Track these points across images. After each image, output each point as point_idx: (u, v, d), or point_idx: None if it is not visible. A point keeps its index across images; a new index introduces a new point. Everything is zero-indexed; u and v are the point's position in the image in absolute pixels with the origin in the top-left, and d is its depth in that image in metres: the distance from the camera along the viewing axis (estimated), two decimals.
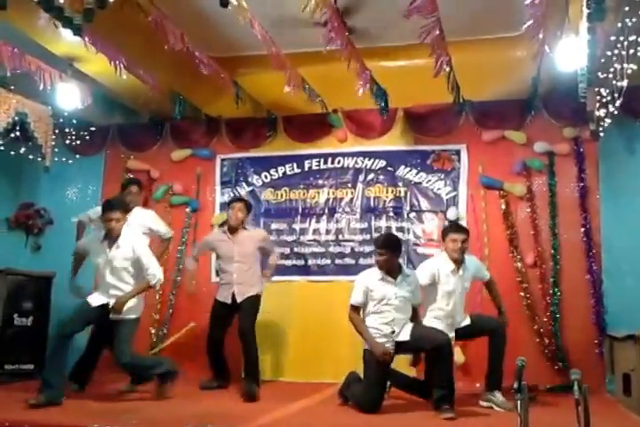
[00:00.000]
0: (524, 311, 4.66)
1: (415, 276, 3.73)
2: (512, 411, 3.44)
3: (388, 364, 3.50)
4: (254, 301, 4.24)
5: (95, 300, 3.76)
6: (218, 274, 4.50)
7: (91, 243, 3.96)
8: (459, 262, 3.79)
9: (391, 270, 3.60)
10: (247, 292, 4.22)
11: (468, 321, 3.84)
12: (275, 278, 4.71)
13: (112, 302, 3.72)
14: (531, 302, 4.67)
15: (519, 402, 2.09)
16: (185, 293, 5.15)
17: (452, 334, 3.75)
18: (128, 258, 3.76)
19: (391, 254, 3.57)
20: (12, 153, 4.85)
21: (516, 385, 2.11)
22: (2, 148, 4.70)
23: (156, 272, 3.79)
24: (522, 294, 4.69)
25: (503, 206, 4.88)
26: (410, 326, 3.57)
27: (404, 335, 3.52)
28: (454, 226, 4.15)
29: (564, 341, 4.56)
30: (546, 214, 4.81)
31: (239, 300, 4.21)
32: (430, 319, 3.79)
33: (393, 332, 3.52)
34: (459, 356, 4.53)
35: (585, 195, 4.75)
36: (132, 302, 3.75)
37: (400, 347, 3.54)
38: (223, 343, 4.37)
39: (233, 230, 4.35)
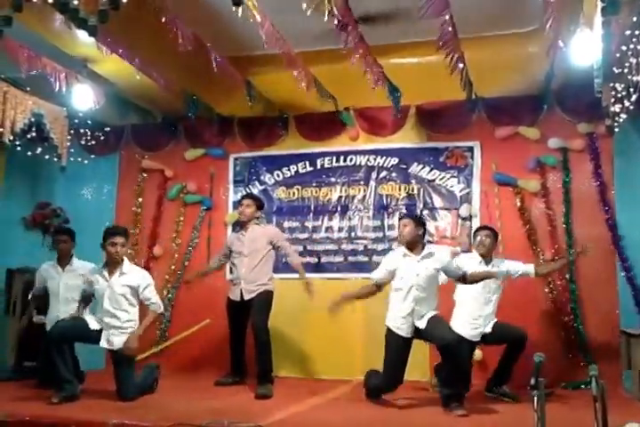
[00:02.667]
0: (543, 309, 4.64)
1: (443, 253, 3.71)
2: (520, 401, 3.51)
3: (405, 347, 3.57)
4: (265, 297, 4.25)
5: (93, 323, 3.79)
6: (232, 271, 4.54)
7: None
8: (485, 257, 3.98)
9: (413, 246, 3.62)
10: (256, 289, 4.23)
11: (490, 328, 3.89)
12: (288, 276, 4.72)
13: (107, 331, 3.74)
14: (553, 298, 4.65)
15: (536, 398, 2.08)
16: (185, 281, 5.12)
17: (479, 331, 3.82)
18: (130, 286, 3.81)
19: (414, 225, 3.61)
20: (29, 154, 4.91)
21: (532, 382, 2.10)
22: (19, 148, 4.76)
23: (159, 302, 3.92)
24: (541, 290, 4.67)
25: (518, 203, 4.85)
26: (429, 315, 3.53)
27: (422, 323, 3.52)
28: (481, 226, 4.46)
29: (583, 337, 4.53)
30: (560, 211, 4.78)
31: (247, 297, 4.23)
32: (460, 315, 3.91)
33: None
34: (476, 353, 4.52)
35: (600, 191, 4.70)
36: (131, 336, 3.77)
37: (417, 333, 3.56)
38: (244, 339, 4.41)
39: (244, 226, 4.43)
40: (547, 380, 2.13)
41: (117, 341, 3.75)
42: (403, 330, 3.55)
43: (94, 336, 3.77)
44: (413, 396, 3.87)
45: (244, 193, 5.43)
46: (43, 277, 4.35)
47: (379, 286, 3.69)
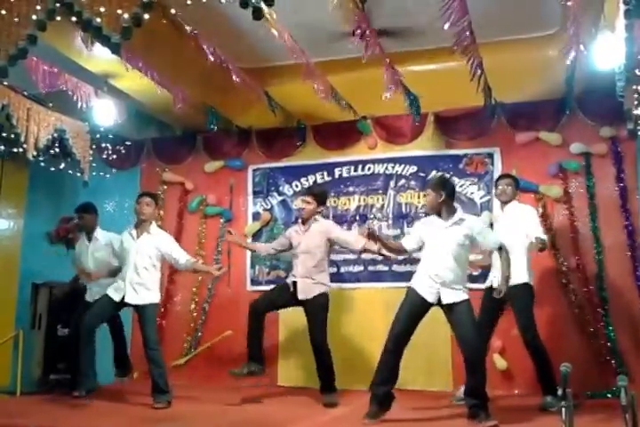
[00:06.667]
0: (568, 316, 4.54)
1: (475, 221, 3.55)
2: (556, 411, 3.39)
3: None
4: (320, 302, 4.05)
5: (116, 295, 3.96)
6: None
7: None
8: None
9: (440, 212, 3.46)
10: (310, 290, 4.05)
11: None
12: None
13: (134, 293, 3.91)
14: (577, 306, 4.54)
15: (564, 409, 2.02)
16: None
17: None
18: (157, 247, 4.00)
19: (435, 194, 3.44)
20: (52, 169, 5.01)
21: (560, 392, 2.04)
22: (42, 164, 4.86)
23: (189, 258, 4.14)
24: (564, 297, 4.57)
25: (540, 210, 4.77)
26: (458, 298, 3.33)
27: (449, 298, 3.34)
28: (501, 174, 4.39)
29: (615, 345, 4.39)
30: (584, 217, 4.69)
31: (300, 297, 4.04)
32: None
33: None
34: (500, 362, 4.44)
35: (624, 196, 4.60)
36: (153, 290, 4.00)
37: (443, 307, 3.38)
38: (264, 316, 4.14)
39: (305, 222, 4.24)
40: (573, 390, 2.07)
41: (142, 297, 3.93)
42: (425, 291, 3.37)
43: (120, 305, 3.99)
44: (438, 407, 3.80)
45: (265, 205, 5.48)
46: (77, 254, 4.62)
47: (406, 250, 3.66)
